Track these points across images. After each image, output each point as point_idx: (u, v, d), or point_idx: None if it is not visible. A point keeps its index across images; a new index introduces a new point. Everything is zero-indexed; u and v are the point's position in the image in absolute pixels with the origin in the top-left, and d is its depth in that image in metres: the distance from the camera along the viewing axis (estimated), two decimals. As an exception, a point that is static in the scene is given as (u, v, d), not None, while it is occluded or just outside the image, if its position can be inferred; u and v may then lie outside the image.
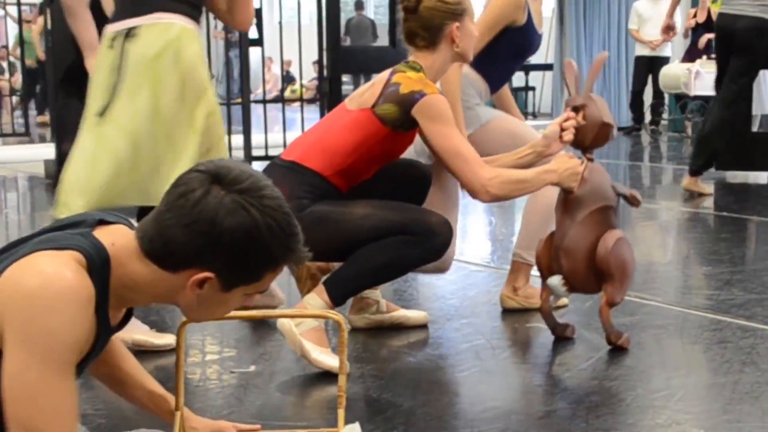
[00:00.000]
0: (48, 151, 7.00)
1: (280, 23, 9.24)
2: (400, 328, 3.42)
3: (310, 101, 14.14)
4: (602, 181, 3.11)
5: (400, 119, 2.96)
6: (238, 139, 8.45)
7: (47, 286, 1.55)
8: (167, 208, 1.64)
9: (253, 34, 9.23)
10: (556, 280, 3.12)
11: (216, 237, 1.61)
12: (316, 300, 2.88)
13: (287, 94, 11.67)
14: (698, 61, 11.34)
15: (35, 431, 1.56)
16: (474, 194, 3.00)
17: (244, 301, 1.76)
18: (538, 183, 3.02)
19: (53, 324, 1.54)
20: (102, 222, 1.74)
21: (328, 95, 7.94)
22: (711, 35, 11.23)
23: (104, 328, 1.69)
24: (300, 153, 3.01)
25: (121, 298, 1.70)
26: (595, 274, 3.08)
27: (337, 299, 2.91)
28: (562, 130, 3.11)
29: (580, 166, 3.07)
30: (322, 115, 8.00)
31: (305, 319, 2.89)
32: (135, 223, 1.79)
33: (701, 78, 10.81)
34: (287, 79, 15.19)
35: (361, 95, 3.03)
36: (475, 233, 5.56)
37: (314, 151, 2.99)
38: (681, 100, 11.49)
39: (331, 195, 2.98)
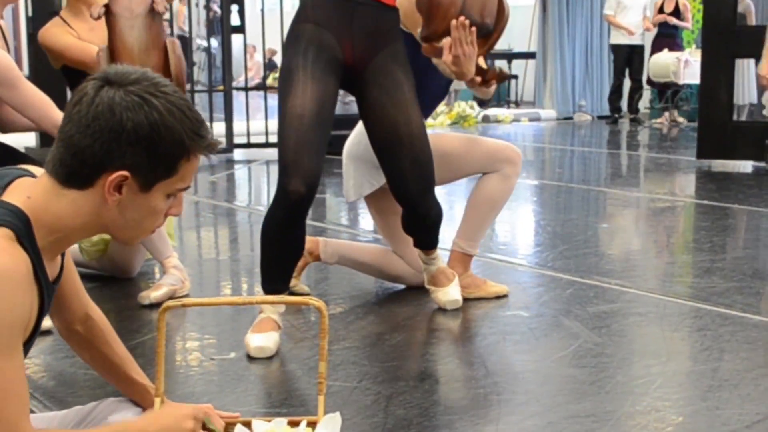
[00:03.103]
0: (28, 138, 6.93)
1: (262, 11, 9.21)
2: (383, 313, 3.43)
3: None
4: None
5: None
6: (220, 127, 8.41)
7: None
8: (66, 122, 1.60)
9: (235, 21, 9.19)
10: None
11: (117, 127, 1.56)
12: None
13: (270, 81, 11.62)
14: (687, 49, 11.38)
15: None
16: None
17: (171, 209, 1.69)
18: None
19: None
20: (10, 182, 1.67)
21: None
22: (678, 21, 11.35)
23: (46, 289, 1.65)
24: None
25: (53, 246, 1.65)
26: None
27: (266, 289, 3.01)
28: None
29: None
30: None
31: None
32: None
33: (690, 66, 10.85)
34: (270, 66, 15.14)
35: None
36: (453, 221, 5.54)
37: None
38: (669, 87, 11.54)
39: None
